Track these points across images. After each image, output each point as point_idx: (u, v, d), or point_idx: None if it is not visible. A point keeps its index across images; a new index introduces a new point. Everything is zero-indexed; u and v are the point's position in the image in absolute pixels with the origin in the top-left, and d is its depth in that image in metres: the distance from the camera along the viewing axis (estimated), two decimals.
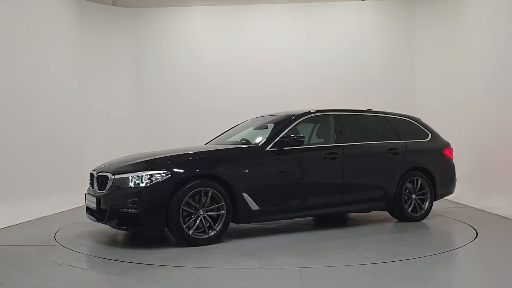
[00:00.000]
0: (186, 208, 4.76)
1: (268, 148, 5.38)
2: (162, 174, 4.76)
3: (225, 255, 4.48)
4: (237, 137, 6.10)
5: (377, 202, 6.08)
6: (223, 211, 4.93)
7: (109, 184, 4.95)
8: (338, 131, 5.94)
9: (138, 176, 4.75)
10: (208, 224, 4.88)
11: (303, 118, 5.87)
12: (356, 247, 4.82)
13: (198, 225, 4.83)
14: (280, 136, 5.48)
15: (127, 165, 5.09)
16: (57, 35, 8.83)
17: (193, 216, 4.81)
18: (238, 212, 5.06)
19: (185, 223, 4.76)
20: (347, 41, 10.39)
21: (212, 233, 4.89)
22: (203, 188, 4.84)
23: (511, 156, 7.03)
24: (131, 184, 4.76)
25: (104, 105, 10.14)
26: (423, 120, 7.03)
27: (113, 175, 4.95)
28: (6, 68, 7.08)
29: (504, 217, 6.45)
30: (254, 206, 5.14)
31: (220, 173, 5.00)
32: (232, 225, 5.12)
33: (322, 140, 6.14)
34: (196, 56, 10.47)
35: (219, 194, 4.91)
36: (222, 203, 4.92)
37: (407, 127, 6.62)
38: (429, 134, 6.70)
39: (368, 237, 5.39)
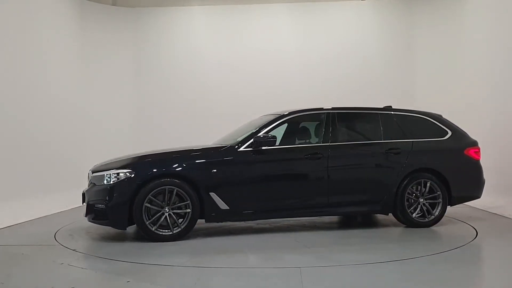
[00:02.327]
0: (149, 205, 4.98)
1: (242, 148, 5.38)
2: (127, 173, 5.04)
3: (174, 253, 4.57)
4: (243, 137, 6.03)
5: (370, 206, 5.69)
6: (188, 210, 5.06)
7: (89, 181, 5.39)
8: (327, 130, 5.70)
9: (109, 174, 5.10)
10: (177, 221, 5.06)
11: (287, 118, 5.72)
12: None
13: (165, 222, 5.02)
14: (256, 136, 5.43)
15: (104, 164, 5.47)
16: (57, 35, 8.84)
17: (164, 213, 5.03)
18: (205, 211, 5.16)
19: (149, 219, 4.99)
20: (347, 41, 10.40)
21: (176, 230, 5.04)
22: (167, 187, 5.02)
23: (510, 156, 7.04)
24: (104, 182, 5.11)
25: (104, 105, 10.14)
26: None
27: (93, 173, 5.36)
28: (6, 68, 7.09)
29: (504, 217, 6.45)
30: (223, 205, 5.19)
31: (184, 173, 5.14)
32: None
33: (309, 139, 5.94)
34: (196, 56, 10.48)
35: (184, 193, 5.05)
36: (188, 201, 5.06)
37: (420, 125, 6.09)
38: (449, 132, 6.07)
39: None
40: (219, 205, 5.18)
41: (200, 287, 3.52)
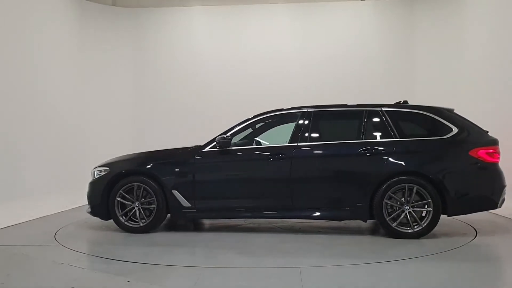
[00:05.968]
0: (121, 200, 5.45)
1: (207, 149, 5.52)
2: (104, 170, 5.60)
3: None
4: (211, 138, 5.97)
5: (339, 211, 5.23)
6: (153, 205, 5.42)
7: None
8: (297, 130, 5.42)
9: (95, 171, 5.69)
10: (144, 216, 5.46)
11: (257, 119, 5.64)
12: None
13: (139, 215, 5.46)
14: (218, 136, 5.48)
15: (101, 162, 5.89)
16: (56, 35, 8.84)
17: (134, 207, 5.47)
18: (170, 208, 5.46)
19: (120, 211, 5.46)
20: (347, 41, 10.41)
21: (144, 223, 5.45)
22: (135, 184, 5.45)
23: (509, 156, 7.03)
24: (95, 177, 5.68)
25: (103, 105, 10.15)
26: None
27: (93, 169, 5.82)
28: (5, 68, 7.09)
29: (504, 217, 6.45)
30: (185, 203, 5.41)
31: (150, 171, 5.51)
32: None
33: (282, 140, 5.59)
34: (195, 56, 10.49)
35: (150, 190, 5.44)
36: (153, 198, 5.42)
37: (417, 122, 5.39)
38: (454, 129, 5.19)
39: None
40: (181, 202, 5.41)
41: (199, 287, 3.52)
